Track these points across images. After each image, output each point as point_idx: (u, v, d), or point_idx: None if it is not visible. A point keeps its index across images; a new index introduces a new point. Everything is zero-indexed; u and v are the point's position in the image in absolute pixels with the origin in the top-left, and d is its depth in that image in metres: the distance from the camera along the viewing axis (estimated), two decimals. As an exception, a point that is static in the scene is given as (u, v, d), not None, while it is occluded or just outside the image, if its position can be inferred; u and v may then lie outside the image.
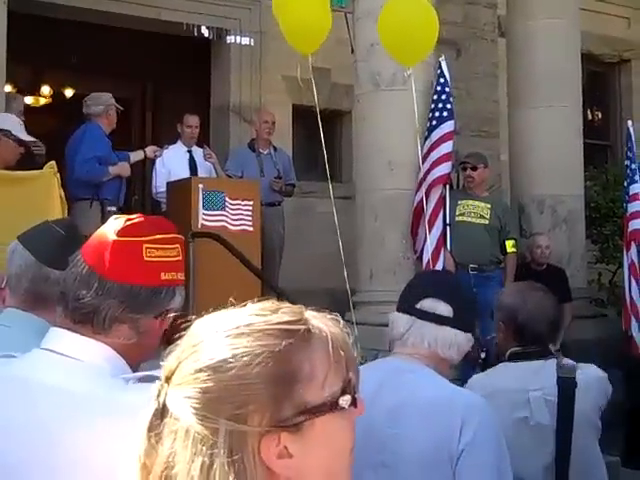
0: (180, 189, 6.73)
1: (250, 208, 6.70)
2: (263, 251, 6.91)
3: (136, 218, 1.52)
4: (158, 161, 7.40)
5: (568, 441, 2.54)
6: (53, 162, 5.28)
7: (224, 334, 0.95)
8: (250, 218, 6.68)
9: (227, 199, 6.64)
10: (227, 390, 0.92)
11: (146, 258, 1.47)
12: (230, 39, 9.04)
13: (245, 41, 9.00)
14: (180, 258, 1.54)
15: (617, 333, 6.95)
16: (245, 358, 0.93)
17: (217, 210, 6.59)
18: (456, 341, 2.06)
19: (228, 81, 9.17)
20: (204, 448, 0.90)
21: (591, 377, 2.73)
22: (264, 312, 0.98)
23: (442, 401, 1.91)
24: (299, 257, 8.16)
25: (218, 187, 6.71)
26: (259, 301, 1.02)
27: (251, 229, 6.68)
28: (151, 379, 1.37)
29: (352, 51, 6.98)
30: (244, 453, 0.91)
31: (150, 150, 7.03)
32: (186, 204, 6.48)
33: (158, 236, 1.49)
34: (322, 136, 5.91)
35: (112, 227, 1.49)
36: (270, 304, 1.01)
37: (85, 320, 1.46)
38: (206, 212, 6.55)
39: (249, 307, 1.00)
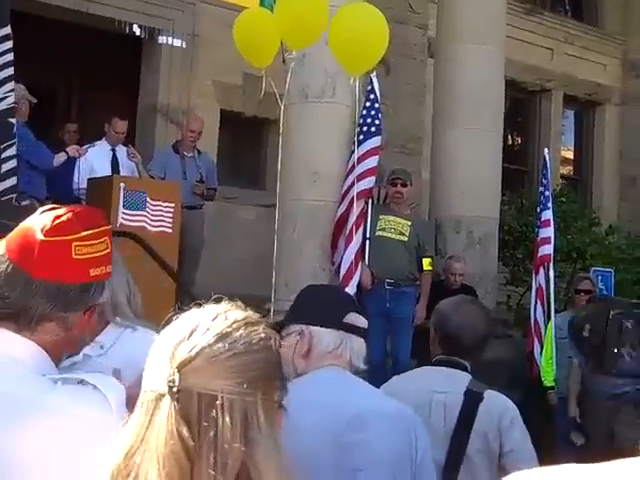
0: (101, 187, 6.67)
1: (171, 210, 6.67)
2: (181, 254, 6.88)
3: (64, 215, 1.46)
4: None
5: (462, 450, 2.62)
6: None
7: (237, 324, 1.09)
8: (170, 220, 6.65)
9: (148, 199, 6.60)
10: (261, 369, 1.08)
11: (75, 256, 1.43)
12: (162, 39, 8.99)
13: (177, 43, 8.97)
14: (109, 250, 1.50)
15: (522, 354, 7.17)
16: (264, 343, 1.10)
17: (137, 210, 6.55)
18: (365, 350, 2.14)
19: (157, 81, 9.11)
20: (247, 418, 1.04)
21: (498, 401, 2.79)
22: (240, 307, 1.14)
23: (399, 411, 2.03)
24: (218, 261, 8.16)
25: (140, 187, 6.67)
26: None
27: (170, 231, 6.65)
28: (79, 382, 1.38)
29: (283, 61, 7.02)
30: (271, 421, 1.07)
31: (72, 150, 6.95)
32: (106, 202, 6.40)
33: (87, 232, 1.45)
34: (280, 145, 6.03)
35: (39, 225, 1.44)
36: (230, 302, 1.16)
37: (9, 318, 1.43)
38: (126, 211, 6.50)
39: (223, 304, 1.14)
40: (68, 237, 1.43)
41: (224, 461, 1.02)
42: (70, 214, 1.46)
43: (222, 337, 1.07)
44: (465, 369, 2.82)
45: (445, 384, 2.76)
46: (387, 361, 6.51)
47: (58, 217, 1.45)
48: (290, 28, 5.94)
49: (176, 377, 1.03)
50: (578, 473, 0.86)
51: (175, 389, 1.02)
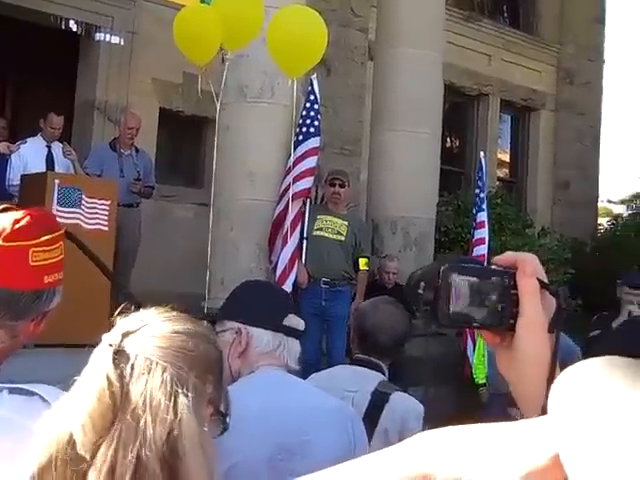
0: (35, 183, 6.56)
1: (107, 208, 6.60)
2: (117, 252, 6.81)
3: (23, 219, 1.39)
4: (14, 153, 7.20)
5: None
6: None
7: (184, 319, 1.15)
8: (106, 218, 6.59)
9: (84, 197, 6.52)
10: (199, 356, 1.10)
11: (32, 263, 1.37)
12: (99, 36, 8.90)
13: (115, 40, 8.88)
14: (62, 256, 1.44)
15: (454, 352, 7.30)
16: (207, 338, 1.15)
17: (72, 207, 6.46)
18: (300, 351, 2.16)
19: (95, 78, 9.01)
20: (178, 385, 1.06)
21: (405, 403, 2.83)
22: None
23: (338, 409, 2.06)
24: (155, 259, 8.11)
25: (75, 184, 6.59)
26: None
27: (106, 229, 6.58)
28: (24, 392, 1.31)
29: (223, 60, 7.02)
30: (199, 403, 1.08)
31: (2, 146, 6.84)
32: (40, 199, 6.29)
33: (44, 238, 1.39)
34: (216, 145, 5.99)
35: None
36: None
37: None
38: (60, 208, 6.40)
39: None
40: (27, 242, 1.37)
41: (151, 421, 1.02)
42: (29, 217, 1.40)
43: (170, 320, 1.13)
44: (380, 369, 2.84)
45: (356, 383, 2.79)
46: (322, 360, 6.55)
47: (18, 221, 1.39)
48: (226, 30, 5.95)
49: (117, 340, 1.07)
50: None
51: (114, 348, 1.06)
